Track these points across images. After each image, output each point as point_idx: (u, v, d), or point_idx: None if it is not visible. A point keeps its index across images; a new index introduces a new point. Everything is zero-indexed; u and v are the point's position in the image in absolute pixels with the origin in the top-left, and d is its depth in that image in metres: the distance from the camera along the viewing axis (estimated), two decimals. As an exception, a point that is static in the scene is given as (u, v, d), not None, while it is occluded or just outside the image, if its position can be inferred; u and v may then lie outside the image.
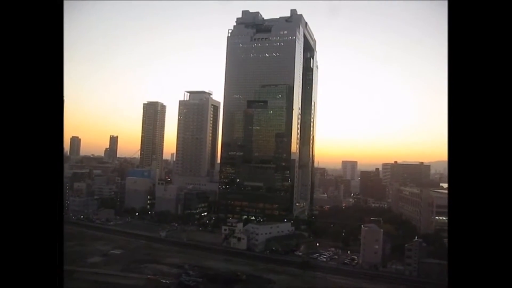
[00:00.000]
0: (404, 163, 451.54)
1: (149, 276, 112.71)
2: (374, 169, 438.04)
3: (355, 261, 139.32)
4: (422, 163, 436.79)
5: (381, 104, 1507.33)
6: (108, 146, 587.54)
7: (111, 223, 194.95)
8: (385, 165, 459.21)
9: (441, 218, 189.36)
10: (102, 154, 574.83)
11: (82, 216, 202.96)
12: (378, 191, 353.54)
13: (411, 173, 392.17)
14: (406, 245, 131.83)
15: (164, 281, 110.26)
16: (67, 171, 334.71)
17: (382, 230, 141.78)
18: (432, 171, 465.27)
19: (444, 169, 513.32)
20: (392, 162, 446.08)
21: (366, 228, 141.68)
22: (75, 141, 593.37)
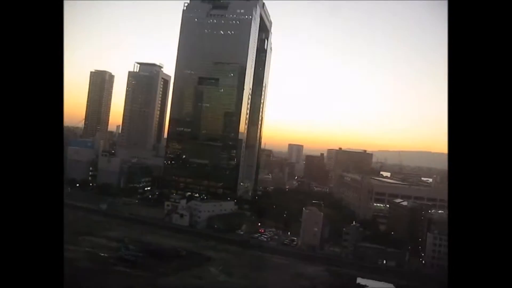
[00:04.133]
0: (348, 150, 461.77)
1: (87, 249, 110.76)
2: (319, 154, 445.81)
3: (295, 242, 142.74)
4: (365, 151, 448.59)
5: (329, 90, 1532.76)
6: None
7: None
8: (330, 150, 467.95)
9: (378, 205, 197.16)
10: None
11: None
12: (322, 175, 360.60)
13: (354, 160, 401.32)
14: (344, 229, 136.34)
15: (102, 254, 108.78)
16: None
17: (322, 213, 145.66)
18: (374, 159, 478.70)
19: (385, 158, 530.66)
20: (337, 148, 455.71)
21: (307, 211, 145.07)
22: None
